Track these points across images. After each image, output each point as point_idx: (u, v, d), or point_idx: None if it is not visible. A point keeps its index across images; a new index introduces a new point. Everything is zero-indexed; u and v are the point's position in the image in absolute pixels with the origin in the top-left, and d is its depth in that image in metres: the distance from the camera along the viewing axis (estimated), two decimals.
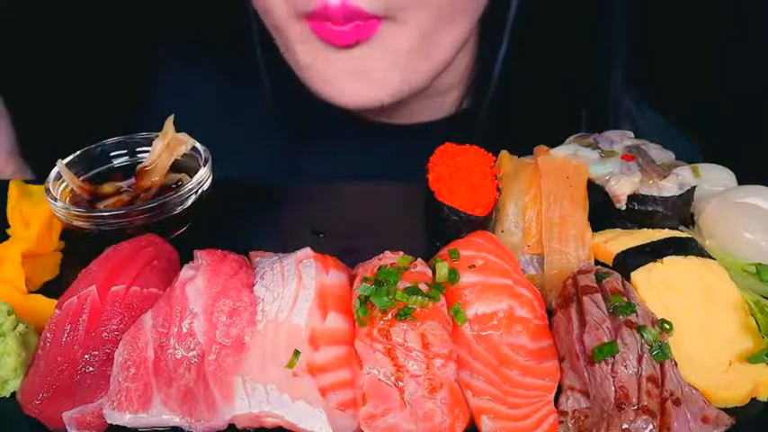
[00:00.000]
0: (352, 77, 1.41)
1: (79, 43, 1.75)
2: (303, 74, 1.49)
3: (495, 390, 0.96)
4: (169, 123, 1.30)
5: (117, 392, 0.93)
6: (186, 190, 1.23)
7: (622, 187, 1.21)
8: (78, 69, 1.76)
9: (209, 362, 0.94)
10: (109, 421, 0.93)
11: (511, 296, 1.02)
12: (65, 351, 0.96)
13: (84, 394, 0.94)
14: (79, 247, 1.21)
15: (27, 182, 1.28)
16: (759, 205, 1.19)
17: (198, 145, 1.32)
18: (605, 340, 0.93)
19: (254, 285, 1.02)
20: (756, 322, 1.04)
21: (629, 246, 1.14)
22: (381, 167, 1.65)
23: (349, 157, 1.70)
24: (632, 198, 1.21)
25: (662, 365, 0.92)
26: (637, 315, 0.96)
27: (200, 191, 1.26)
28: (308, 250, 1.06)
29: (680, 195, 1.21)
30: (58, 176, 1.27)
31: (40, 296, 1.11)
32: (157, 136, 1.31)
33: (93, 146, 1.36)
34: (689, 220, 1.25)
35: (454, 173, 1.19)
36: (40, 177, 1.44)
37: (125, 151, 1.38)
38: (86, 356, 0.95)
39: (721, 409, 0.94)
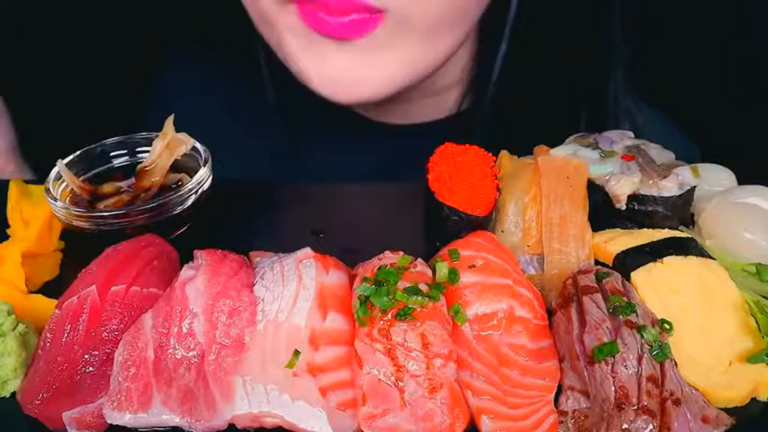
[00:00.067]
0: (345, 73, 1.35)
1: (79, 43, 1.75)
2: (292, 67, 1.42)
3: (495, 390, 0.96)
4: (169, 123, 1.30)
5: (117, 392, 0.93)
6: (186, 190, 1.23)
7: (622, 187, 1.21)
8: (78, 69, 1.76)
9: (209, 362, 0.94)
10: (109, 421, 0.93)
11: (511, 296, 1.03)
12: (65, 351, 0.96)
13: (84, 394, 0.94)
14: (79, 247, 1.21)
15: (27, 182, 1.28)
16: (759, 205, 1.19)
17: (198, 145, 1.31)
18: (605, 340, 0.93)
19: (254, 285, 1.02)
20: (756, 322, 1.04)
21: (629, 246, 1.14)
22: (381, 167, 1.65)
23: (349, 157, 1.70)
24: (632, 198, 1.21)
25: (662, 365, 0.92)
26: (637, 315, 0.96)
27: (200, 191, 1.26)
28: (308, 250, 1.06)
29: (680, 195, 1.21)
30: (58, 176, 1.27)
31: (40, 296, 1.11)
32: (157, 136, 1.31)
33: (93, 146, 1.36)
34: (689, 220, 1.25)
35: (454, 173, 1.19)
36: (40, 177, 1.45)
37: (125, 151, 1.38)
38: (86, 356, 0.95)
39: (721, 409, 0.94)
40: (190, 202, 1.24)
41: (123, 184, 1.33)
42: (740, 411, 0.96)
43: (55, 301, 1.03)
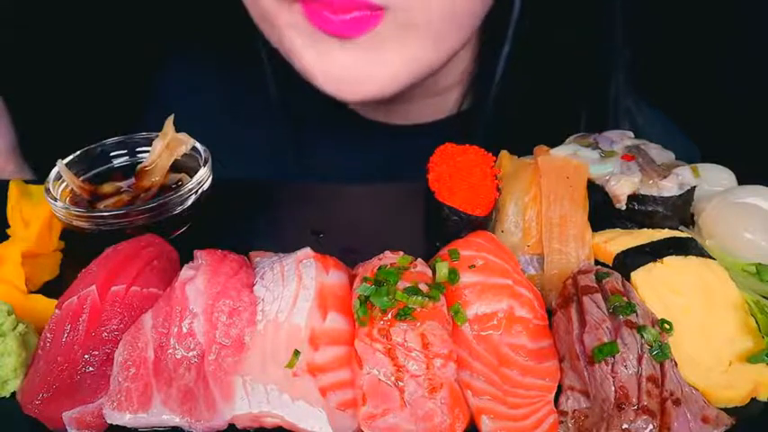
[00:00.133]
0: (350, 70, 1.35)
1: (79, 43, 1.75)
2: (296, 64, 1.41)
3: (495, 390, 0.96)
4: (169, 123, 1.30)
5: (117, 392, 0.93)
6: (186, 190, 1.23)
7: (622, 187, 1.21)
8: (78, 69, 1.76)
9: (209, 362, 0.94)
10: (109, 421, 0.93)
11: (511, 296, 1.03)
12: (65, 351, 0.96)
13: (84, 394, 0.94)
14: (79, 247, 1.21)
15: (27, 182, 1.28)
16: (759, 205, 1.19)
17: (198, 145, 1.32)
18: (605, 340, 0.93)
19: (254, 285, 1.02)
20: (756, 322, 1.04)
21: (629, 246, 1.14)
22: (383, 167, 1.65)
23: (350, 156, 1.70)
24: (632, 198, 1.21)
25: (662, 365, 0.92)
26: (637, 315, 0.96)
27: (200, 191, 1.26)
28: (308, 250, 1.06)
29: (680, 195, 1.21)
30: (58, 176, 1.27)
31: (40, 296, 1.11)
32: (157, 136, 1.31)
33: (93, 146, 1.36)
34: (689, 220, 1.25)
35: (454, 173, 1.19)
36: (40, 177, 1.45)
37: (125, 151, 1.38)
38: (86, 356, 0.95)
39: (721, 409, 0.94)
40: (190, 202, 1.24)
41: (123, 184, 1.33)
42: (740, 411, 0.96)
43: (55, 301, 1.03)
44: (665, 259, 1.09)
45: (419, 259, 1.07)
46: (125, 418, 0.92)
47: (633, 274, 1.08)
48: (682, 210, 1.23)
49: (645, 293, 1.05)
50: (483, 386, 0.96)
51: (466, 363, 0.97)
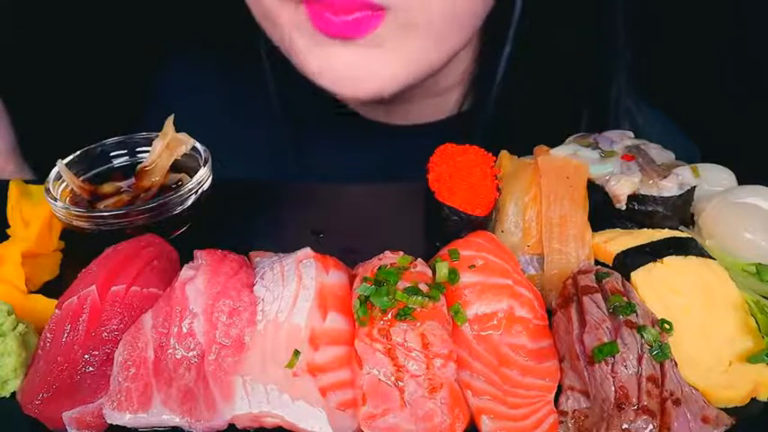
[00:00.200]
0: (351, 68, 1.35)
1: (79, 43, 1.75)
2: (297, 62, 1.41)
3: (495, 390, 0.96)
4: (169, 123, 1.30)
5: (117, 392, 0.93)
6: (186, 190, 1.23)
7: (622, 187, 1.21)
8: (78, 69, 1.75)
9: (209, 362, 0.94)
10: (109, 421, 0.93)
11: (511, 296, 1.03)
12: (65, 351, 0.96)
13: (84, 394, 0.94)
14: (79, 247, 1.21)
15: (27, 182, 1.28)
16: (759, 205, 1.19)
17: (198, 145, 1.32)
18: (605, 340, 0.93)
19: (254, 285, 1.02)
20: (756, 322, 1.04)
21: (629, 246, 1.14)
22: (383, 167, 1.65)
23: (350, 156, 1.70)
24: (632, 198, 1.21)
25: (662, 365, 0.92)
26: (637, 315, 0.96)
27: (200, 191, 1.26)
28: (308, 250, 1.06)
29: (680, 195, 1.21)
30: (58, 176, 1.27)
31: (40, 296, 1.11)
32: (157, 136, 1.31)
33: (93, 146, 1.36)
34: (689, 220, 1.25)
35: (454, 173, 1.19)
36: (40, 177, 1.45)
37: (125, 151, 1.38)
38: (86, 356, 0.95)
39: (721, 409, 0.94)
40: (190, 202, 1.24)
41: (123, 184, 1.33)
42: (740, 411, 0.96)
43: (55, 301, 1.03)
44: (665, 259, 1.09)
45: (419, 259, 1.07)
46: (125, 418, 0.92)
47: (633, 274, 1.08)
48: (682, 210, 1.23)
49: (645, 293, 1.05)
50: (483, 386, 0.96)
51: (466, 363, 0.97)
